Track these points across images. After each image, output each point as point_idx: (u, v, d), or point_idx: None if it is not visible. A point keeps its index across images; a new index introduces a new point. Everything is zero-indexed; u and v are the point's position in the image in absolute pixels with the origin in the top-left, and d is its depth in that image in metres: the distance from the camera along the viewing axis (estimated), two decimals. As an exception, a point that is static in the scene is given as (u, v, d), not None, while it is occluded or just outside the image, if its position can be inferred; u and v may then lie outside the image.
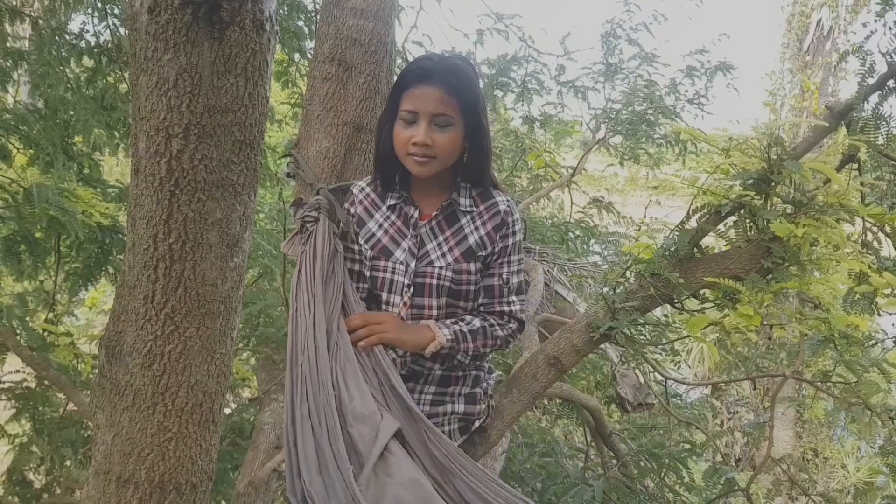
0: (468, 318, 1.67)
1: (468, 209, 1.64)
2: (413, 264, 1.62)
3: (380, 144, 1.63)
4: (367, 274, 1.67)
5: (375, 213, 1.68)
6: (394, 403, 1.47)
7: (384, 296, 1.65)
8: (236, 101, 1.47)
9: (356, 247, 1.69)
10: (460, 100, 1.54)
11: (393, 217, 1.67)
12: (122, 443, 1.56)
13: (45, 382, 3.83)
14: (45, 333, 3.70)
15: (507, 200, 1.67)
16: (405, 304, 1.62)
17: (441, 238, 1.64)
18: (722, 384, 9.57)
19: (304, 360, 1.46)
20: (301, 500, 1.26)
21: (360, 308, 1.62)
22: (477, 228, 1.64)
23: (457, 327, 1.62)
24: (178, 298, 1.52)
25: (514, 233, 1.66)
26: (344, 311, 1.59)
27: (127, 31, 3.56)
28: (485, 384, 1.80)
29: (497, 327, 1.67)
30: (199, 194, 1.47)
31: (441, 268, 1.61)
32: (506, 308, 1.68)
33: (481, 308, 1.69)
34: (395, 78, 1.63)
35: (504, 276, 1.67)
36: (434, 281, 1.61)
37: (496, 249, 1.64)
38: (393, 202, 1.67)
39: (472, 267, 1.62)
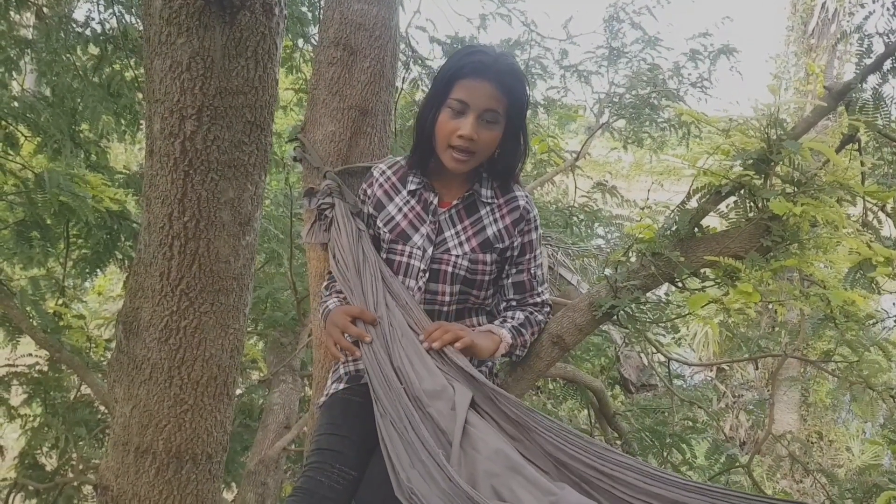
0: (508, 314, 1.73)
1: (489, 200, 1.68)
2: (430, 250, 1.64)
3: (423, 128, 1.64)
4: (384, 257, 1.71)
5: (395, 196, 1.71)
6: (452, 371, 1.48)
7: (400, 279, 1.68)
8: (247, 83, 1.51)
9: (371, 231, 1.73)
10: (510, 99, 1.57)
11: (412, 202, 1.69)
12: (139, 415, 1.62)
13: (59, 365, 3.89)
14: (57, 317, 3.75)
15: (526, 196, 1.72)
16: (419, 288, 1.65)
17: (460, 227, 1.67)
18: (725, 367, 9.60)
19: (367, 359, 1.48)
20: (407, 499, 1.25)
21: (397, 282, 1.63)
22: (496, 221, 1.67)
23: (508, 325, 1.68)
24: (193, 275, 1.56)
25: (535, 227, 1.72)
26: (387, 286, 1.61)
27: (133, 18, 3.58)
28: (490, 363, 1.85)
29: (536, 314, 1.76)
30: (213, 174, 1.51)
31: (458, 256, 1.64)
32: (538, 299, 1.77)
33: (514, 303, 1.76)
34: (444, 62, 1.64)
35: (532, 271, 1.74)
36: (450, 268, 1.64)
37: (514, 244, 1.69)
38: (413, 187, 1.69)
39: (488, 258, 1.66)
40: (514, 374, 2.02)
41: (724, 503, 1.17)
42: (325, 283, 1.79)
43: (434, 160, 1.66)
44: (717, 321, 3.06)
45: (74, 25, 4.05)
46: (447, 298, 1.66)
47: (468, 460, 1.29)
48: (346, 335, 1.55)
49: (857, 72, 1.86)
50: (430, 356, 1.49)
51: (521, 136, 1.64)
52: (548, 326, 2.07)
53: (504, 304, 1.78)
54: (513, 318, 1.71)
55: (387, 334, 1.52)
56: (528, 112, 1.66)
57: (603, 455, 1.31)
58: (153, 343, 1.59)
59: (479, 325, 1.73)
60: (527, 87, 1.65)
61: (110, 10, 4.04)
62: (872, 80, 1.88)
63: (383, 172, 1.74)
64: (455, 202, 1.67)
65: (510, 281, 1.73)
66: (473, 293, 1.69)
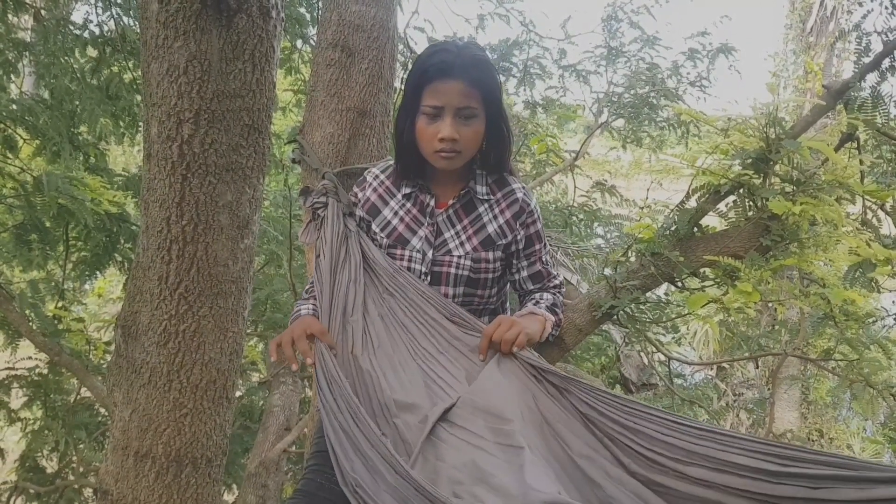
0: (536, 296, 1.73)
1: (485, 197, 1.65)
2: (430, 253, 1.63)
3: (401, 139, 1.62)
4: None
5: (390, 200, 1.68)
6: (453, 376, 1.48)
7: None
8: (244, 86, 1.51)
9: (367, 236, 1.72)
10: (483, 91, 1.54)
11: (408, 205, 1.67)
12: (139, 419, 1.62)
13: (58, 368, 3.90)
14: (57, 320, 3.75)
15: (523, 187, 1.69)
16: None
17: (459, 227, 1.65)
18: (726, 365, 9.60)
19: (316, 354, 1.48)
20: (352, 490, 1.24)
21: (403, 276, 1.61)
22: (496, 217, 1.65)
23: (543, 305, 1.69)
24: (192, 279, 1.56)
25: (538, 218, 1.70)
26: (374, 286, 1.59)
27: (131, 20, 3.58)
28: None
29: (558, 296, 1.77)
30: (210, 177, 1.51)
31: (460, 256, 1.62)
32: (556, 282, 1.77)
33: (535, 291, 1.75)
34: (411, 67, 1.61)
35: (544, 259, 1.73)
36: (453, 270, 1.62)
37: (518, 237, 1.67)
38: (408, 190, 1.67)
39: (492, 255, 1.64)
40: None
41: (731, 447, 1.19)
42: (308, 286, 1.78)
43: (427, 165, 1.64)
44: (717, 320, 3.06)
45: (72, 28, 4.05)
46: (450, 300, 1.65)
47: (429, 466, 1.28)
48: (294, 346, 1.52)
49: (856, 70, 1.86)
50: (413, 369, 1.48)
51: (502, 125, 1.61)
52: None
53: (523, 295, 1.78)
54: (542, 298, 1.71)
55: (357, 339, 1.50)
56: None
57: (629, 409, 1.34)
58: (152, 347, 1.59)
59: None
60: (497, 74, 1.62)
61: (108, 13, 4.04)
62: (871, 78, 1.88)
63: (376, 177, 1.72)
64: (452, 202, 1.65)
65: (525, 274, 1.72)
66: (478, 293, 1.67)
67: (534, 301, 1.71)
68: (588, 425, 1.37)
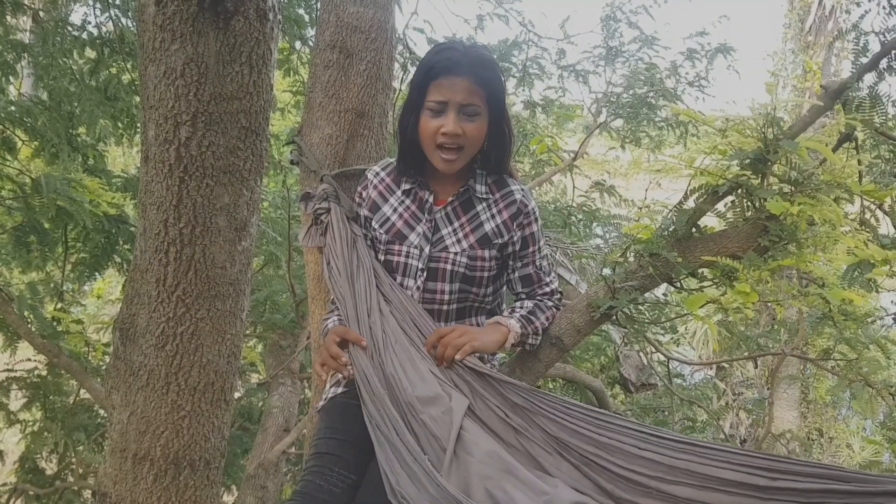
0: (517, 304, 1.73)
1: (484, 196, 1.67)
2: (427, 249, 1.64)
3: (404, 136, 1.64)
4: (382, 258, 1.70)
5: (390, 197, 1.70)
6: (452, 373, 1.49)
7: (398, 279, 1.68)
8: (242, 89, 1.51)
9: (368, 233, 1.73)
10: (487, 90, 1.56)
11: (407, 201, 1.69)
12: (137, 421, 1.62)
13: (57, 370, 3.89)
14: (55, 322, 3.75)
15: (522, 189, 1.70)
16: (418, 288, 1.65)
17: (457, 224, 1.66)
18: (725, 365, 9.60)
19: (355, 364, 1.50)
20: (399, 501, 1.27)
21: (397, 290, 1.63)
22: (493, 216, 1.66)
23: (517, 315, 1.68)
24: (189, 281, 1.57)
25: (535, 219, 1.70)
26: (381, 291, 1.61)
27: (129, 22, 3.58)
28: (488, 365, 1.85)
29: (546, 300, 1.76)
30: (208, 180, 1.51)
31: (456, 253, 1.63)
32: (547, 289, 1.76)
33: (524, 295, 1.75)
34: (417, 65, 1.63)
35: (537, 263, 1.73)
36: (449, 266, 1.63)
37: (514, 238, 1.68)
38: (408, 187, 1.69)
39: (487, 254, 1.65)
40: (513, 377, 2.02)
41: (714, 461, 1.18)
42: (332, 297, 1.79)
43: (428, 162, 1.65)
44: (716, 320, 3.06)
45: (71, 29, 4.05)
46: (446, 297, 1.66)
47: (461, 464, 1.30)
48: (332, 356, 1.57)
49: (854, 70, 1.86)
50: (424, 362, 1.50)
51: (504, 125, 1.63)
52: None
53: (514, 298, 1.78)
54: (521, 307, 1.71)
55: (379, 341, 1.52)
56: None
57: (603, 424, 1.33)
58: (150, 349, 1.60)
59: (480, 325, 1.73)
60: (501, 75, 1.64)
61: (107, 14, 4.04)
62: (869, 78, 1.88)
63: (377, 174, 1.74)
64: (450, 199, 1.67)
65: (517, 275, 1.73)
66: (473, 291, 1.68)
67: (510, 310, 1.72)
68: (563, 454, 1.35)
